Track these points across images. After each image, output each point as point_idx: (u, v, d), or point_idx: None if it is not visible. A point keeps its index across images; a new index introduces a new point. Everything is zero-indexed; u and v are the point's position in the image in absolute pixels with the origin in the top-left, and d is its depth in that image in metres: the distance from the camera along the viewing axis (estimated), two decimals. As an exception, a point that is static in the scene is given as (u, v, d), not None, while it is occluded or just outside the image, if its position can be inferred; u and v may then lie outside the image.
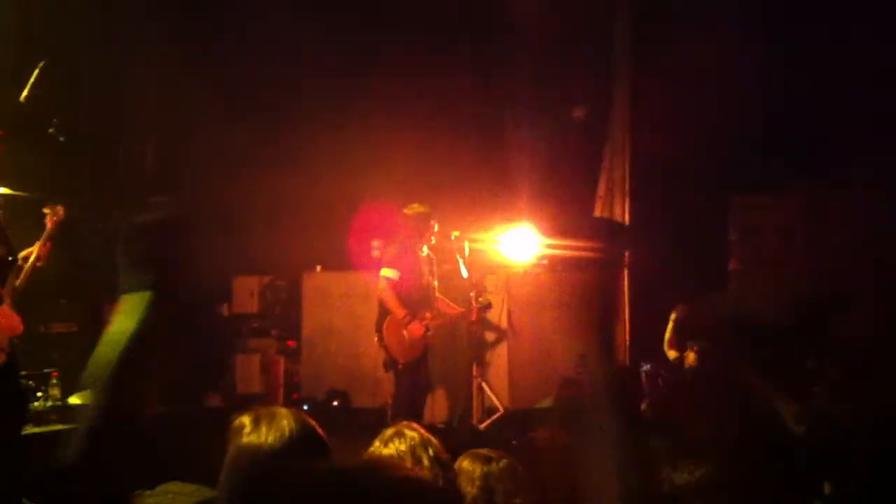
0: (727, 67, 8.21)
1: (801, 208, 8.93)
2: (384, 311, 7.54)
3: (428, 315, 7.56)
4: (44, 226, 5.61)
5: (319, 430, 2.41)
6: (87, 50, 8.27)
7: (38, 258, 5.39)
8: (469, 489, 3.22)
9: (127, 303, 1.61)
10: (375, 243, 9.37)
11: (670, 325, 7.65)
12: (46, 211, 5.55)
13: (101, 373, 1.52)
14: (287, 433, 2.27)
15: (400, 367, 7.47)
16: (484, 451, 3.42)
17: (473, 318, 8.16)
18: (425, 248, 7.63)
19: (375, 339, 7.61)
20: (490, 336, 8.97)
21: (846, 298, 8.32)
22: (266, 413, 2.37)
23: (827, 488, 3.01)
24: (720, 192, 9.08)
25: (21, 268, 5.29)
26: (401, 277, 7.45)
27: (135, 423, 1.59)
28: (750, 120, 8.50)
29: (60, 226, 5.61)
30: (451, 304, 7.97)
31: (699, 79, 8.16)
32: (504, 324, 8.92)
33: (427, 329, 7.50)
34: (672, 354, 7.37)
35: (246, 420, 2.33)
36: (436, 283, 7.74)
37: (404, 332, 7.43)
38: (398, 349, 7.45)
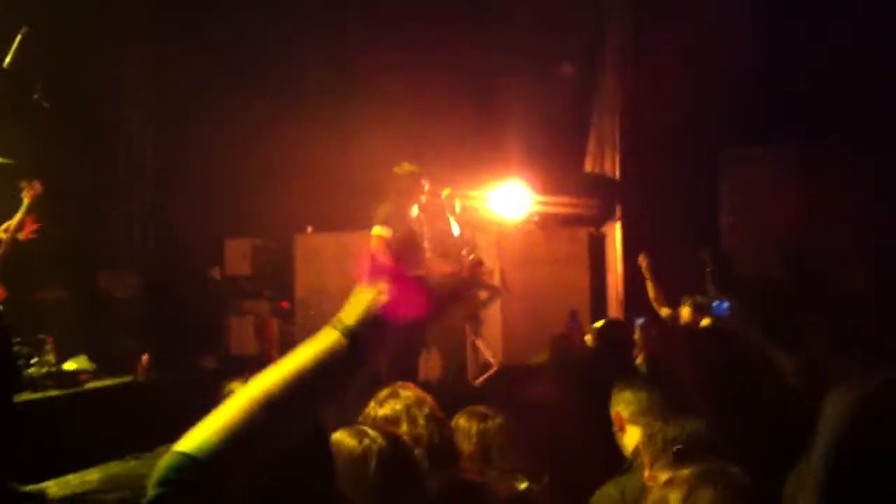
0: (721, 21, 8.16)
1: (794, 161, 8.92)
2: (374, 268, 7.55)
3: (420, 272, 7.58)
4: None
5: None
6: (72, 14, 8.18)
7: (18, 231, 5.36)
8: (466, 446, 3.24)
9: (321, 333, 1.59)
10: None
11: (649, 283, 7.66)
12: (23, 185, 5.52)
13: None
14: None
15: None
16: (480, 408, 3.45)
17: (465, 274, 8.15)
18: (415, 208, 7.62)
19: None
20: (482, 293, 8.99)
21: (842, 255, 8.37)
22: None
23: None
24: (712, 145, 9.06)
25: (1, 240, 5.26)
26: (392, 237, 7.43)
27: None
28: (743, 73, 8.47)
29: (38, 199, 5.58)
30: (442, 262, 7.98)
31: (691, 32, 8.11)
32: (496, 281, 8.93)
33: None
34: (665, 311, 7.38)
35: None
36: (426, 243, 7.75)
37: None
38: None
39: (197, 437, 1.45)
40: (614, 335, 5.74)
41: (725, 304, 6.62)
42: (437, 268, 7.88)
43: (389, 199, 7.58)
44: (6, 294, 5.17)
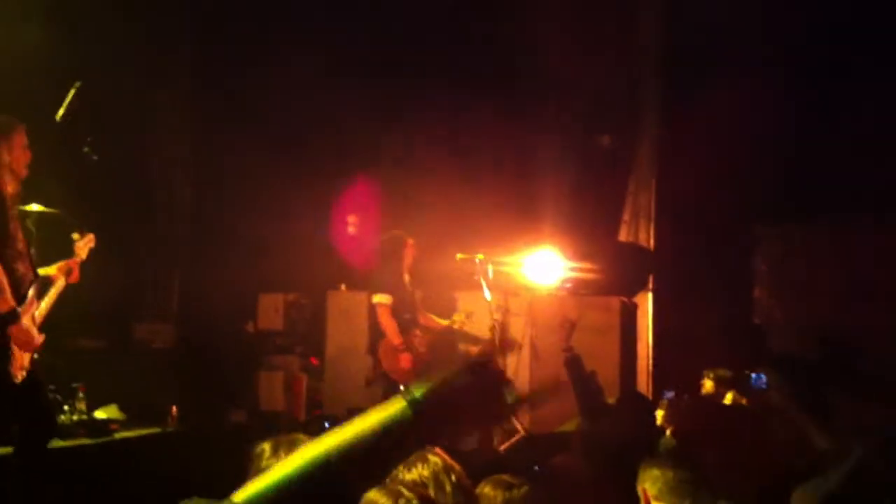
0: (756, 98, 8.23)
1: (828, 237, 8.90)
2: (377, 333, 7.84)
3: (418, 333, 7.97)
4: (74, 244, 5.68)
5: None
6: (117, 73, 8.42)
7: (67, 275, 5.45)
8: None
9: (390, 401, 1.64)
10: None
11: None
12: (75, 237, 5.62)
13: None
14: None
15: (401, 387, 7.65)
16: (505, 476, 3.45)
17: (459, 328, 8.40)
18: (407, 276, 7.91)
19: (370, 360, 7.88)
20: (512, 358, 8.99)
21: (878, 332, 8.30)
22: (286, 440, 2.42)
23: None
24: (747, 218, 9.08)
25: (48, 286, 5.34)
26: (393, 301, 7.73)
27: None
28: (778, 147, 8.52)
29: (90, 251, 5.68)
30: (435, 318, 8.31)
31: (726, 109, 8.18)
32: (526, 346, 8.93)
33: (416, 354, 7.87)
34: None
35: (266, 446, 2.38)
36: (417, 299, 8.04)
37: (398, 358, 7.78)
38: (395, 372, 7.73)
39: (252, 490, 1.49)
40: (635, 407, 5.73)
41: (763, 378, 6.58)
42: (429, 324, 8.10)
43: (381, 265, 7.86)
44: (43, 341, 5.24)
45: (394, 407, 1.60)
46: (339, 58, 9.44)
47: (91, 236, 5.71)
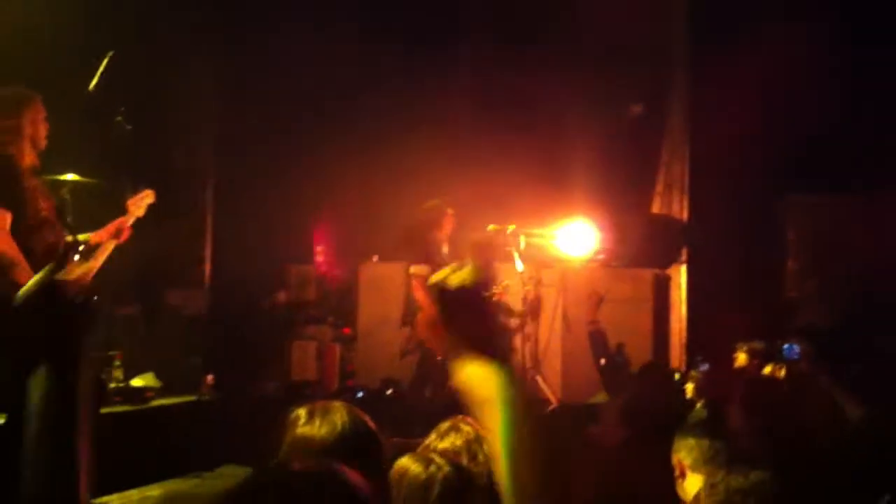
0: (790, 64, 8.12)
1: (861, 208, 8.80)
2: (413, 306, 7.70)
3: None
4: (114, 213, 5.68)
5: (371, 425, 2.47)
6: (149, 45, 8.45)
7: (115, 241, 5.44)
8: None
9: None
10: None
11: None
12: (129, 195, 5.60)
13: None
14: (339, 427, 2.34)
15: (438, 358, 7.62)
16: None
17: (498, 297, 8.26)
18: (445, 247, 7.78)
19: (406, 331, 7.84)
20: (544, 330, 8.98)
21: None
22: (321, 406, 2.43)
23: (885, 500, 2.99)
24: (780, 190, 8.98)
25: (89, 250, 5.36)
26: (429, 272, 7.62)
27: None
28: (811, 117, 8.40)
29: (147, 209, 5.66)
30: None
31: (760, 75, 8.08)
32: (559, 318, 8.92)
33: None
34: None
35: (301, 412, 2.40)
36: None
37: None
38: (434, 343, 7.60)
39: None
40: (654, 379, 5.72)
41: (796, 348, 6.54)
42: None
43: (419, 236, 7.78)
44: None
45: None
46: (367, 22, 9.41)
47: (148, 192, 5.65)
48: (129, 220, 5.56)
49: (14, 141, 4.99)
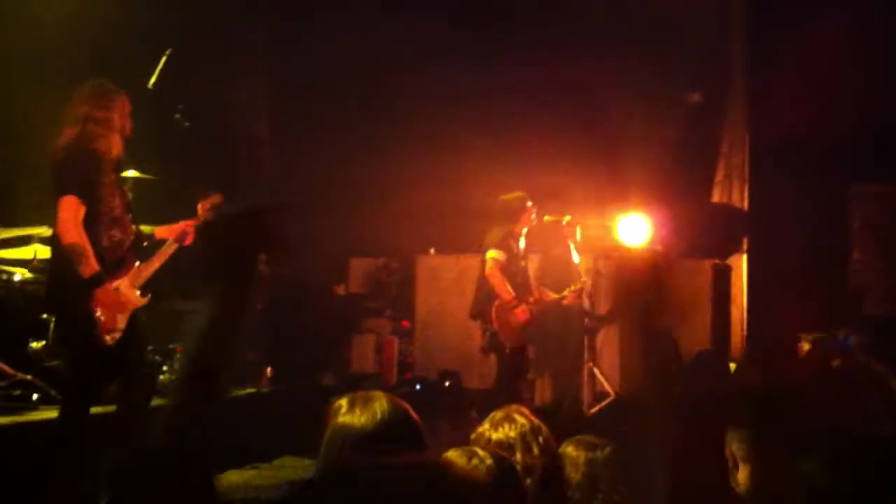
0: (853, 50, 7.95)
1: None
2: (487, 294, 7.54)
3: (531, 299, 7.61)
4: (173, 210, 5.75)
5: (413, 414, 2.48)
6: (204, 41, 8.55)
7: (180, 243, 5.50)
8: (573, 475, 3.23)
9: None
10: None
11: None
12: (199, 195, 5.66)
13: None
14: (378, 416, 2.37)
15: (507, 350, 7.52)
16: (589, 437, 3.43)
17: (568, 302, 8.10)
18: (522, 240, 7.67)
19: (478, 321, 7.68)
20: (603, 321, 8.93)
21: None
22: (362, 396, 2.46)
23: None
24: (842, 179, 8.79)
25: (151, 248, 5.43)
26: (506, 259, 7.51)
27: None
28: (877, 104, 8.21)
29: (216, 210, 5.71)
30: (544, 290, 7.97)
31: (822, 61, 7.92)
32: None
33: (532, 314, 7.54)
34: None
35: (343, 402, 2.43)
36: (529, 271, 7.81)
37: (511, 317, 7.46)
38: (507, 332, 7.47)
39: None
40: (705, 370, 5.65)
41: (852, 339, 6.43)
42: (544, 297, 7.89)
43: (498, 225, 7.65)
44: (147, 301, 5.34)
45: None
46: (420, 6, 9.42)
47: (218, 196, 5.71)
48: (197, 222, 5.60)
49: (105, 134, 5.06)
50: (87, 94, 5.10)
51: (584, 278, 8.18)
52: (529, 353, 8.03)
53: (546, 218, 8.05)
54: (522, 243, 7.72)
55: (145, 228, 5.44)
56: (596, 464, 3.25)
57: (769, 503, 2.58)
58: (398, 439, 2.31)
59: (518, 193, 7.72)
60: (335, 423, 2.36)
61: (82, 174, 4.91)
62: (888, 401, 3.72)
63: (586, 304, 8.70)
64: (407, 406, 2.47)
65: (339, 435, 2.33)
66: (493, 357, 7.70)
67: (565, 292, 7.98)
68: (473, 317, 7.76)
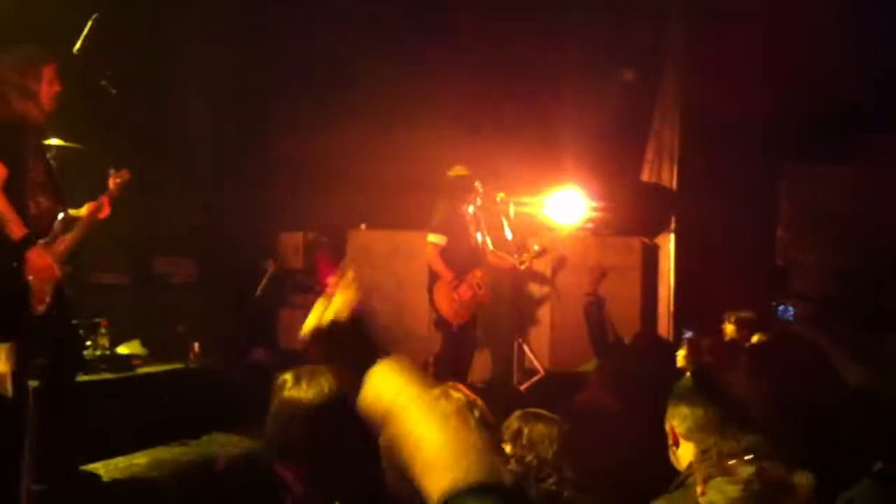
0: (786, 29, 8.05)
1: (854, 179, 8.77)
2: (434, 275, 7.65)
3: (478, 273, 7.66)
4: (98, 179, 5.68)
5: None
6: (138, 6, 8.32)
7: (97, 213, 5.45)
8: (547, 450, 3.24)
9: None
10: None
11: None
12: (111, 171, 5.62)
13: None
14: (326, 390, 2.34)
15: (454, 329, 7.58)
16: (542, 411, 3.45)
17: (526, 267, 8.17)
18: (471, 207, 7.68)
19: (427, 300, 7.75)
20: (533, 298, 8.98)
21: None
22: (307, 370, 2.46)
23: (877, 465, 2.98)
24: (771, 158, 8.94)
25: (73, 221, 5.35)
26: (448, 242, 7.55)
27: None
28: (807, 85, 8.34)
29: (124, 187, 5.67)
30: (504, 255, 8.04)
31: (755, 41, 8.02)
32: (547, 286, 8.91)
33: (478, 287, 7.61)
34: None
35: (288, 377, 2.44)
36: (488, 238, 7.84)
37: (454, 295, 7.55)
38: (450, 311, 7.57)
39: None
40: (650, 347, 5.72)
41: (791, 310, 6.56)
42: (497, 262, 7.95)
43: (442, 203, 7.65)
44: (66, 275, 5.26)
45: None
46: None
47: (124, 173, 5.68)
48: (108, 196, 5.56)
49: (23, 98, 4.97)
50: (6, 61, 5.02)
51: (536, 244, 8.27)
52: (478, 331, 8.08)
53: (500, 196, 8.11)
54: (472, 209, 7.75)
55: (74, 211, 5.38)
56: (566, 437, 3.28)
57: (707, 479, 2.60)
58: (346, 413, 2.31)
59: (464, 171, 7.76)
60: (281, 398, 2.34)
61: (3, 142, 4.83)
62: (825, 370, 3.79)
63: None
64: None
65: (287, 410, 2.32)
66: (438, 334, 7.76)
67: (524, 256, 8.06)
68: (428, 292, 7.80)
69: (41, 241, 5.00)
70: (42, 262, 4.93)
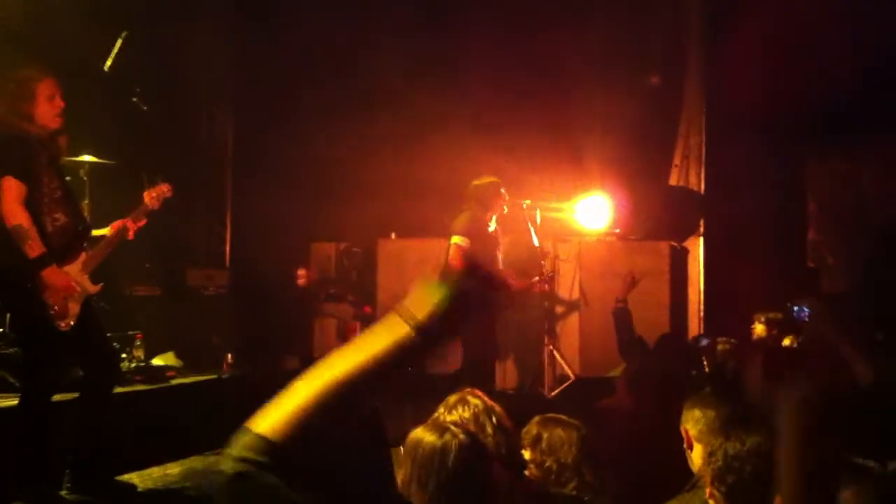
0: (809, 30, 8.02)
1: (883, 179, 8.71)
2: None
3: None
4: (131, 194, 5.73)
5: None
6: (164, 22, 8.45)
7: (122, 235, 5.49)
8: (566, 455, 3.28)
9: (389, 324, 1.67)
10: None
11: None
12: (146, 185, 5.64)
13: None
14: None
15: (471, 335, 7.56)
16: (562, 417, 3.48)
17: (537, 290, 8.18)
18: (493, 223, 7.65)
19: None
20: (562, 304, 8.99)
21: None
22: None
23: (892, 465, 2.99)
24: (800, 160, 8.90)
25: (98, 238, 5.41)
26: (470, 246, 7.49)
27: None
28: (831, 87, 8.29)
29: (161, 202, 5.69)
30: (514, 276, 7.99)
31: (778, 44, 7.99)
32: (576, 292, 8.92)
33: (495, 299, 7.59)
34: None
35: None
36: (500, 256, 7.79)
37: None
38: None
39: (270, 419, 1.54)
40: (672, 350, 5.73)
41: (806, 309, 6.52)
42: (511, 280, 7.93)
43: (468, 210, 7.62)
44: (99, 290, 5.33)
45: (397, 331, 1.61)
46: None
47: (164, 186, 5.69)
48: (142, 214, 5.59)
49: (20, 119, 5.03)
50: (7, 89, 5.07)
51: (546, 266, 8.26)
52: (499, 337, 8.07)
53: (526, 203, 8.13)
54: (493, 225, 7.69)
55: (97, 232, 5.44)
56: (586, 443, 3.31)
57: (714, 480, 2.63)
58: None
59: (491, 179, 7.64)
60: None
61: (16, 158, 4.90)
62: (839, 368, 3.79)
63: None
64: None
65: None
66: (460, 342, 7.72)
67: (534, 280, 8.06)
68: None
69: (62, 258, 5.04)
70: (60, 281, 4.95)
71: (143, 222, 5.60)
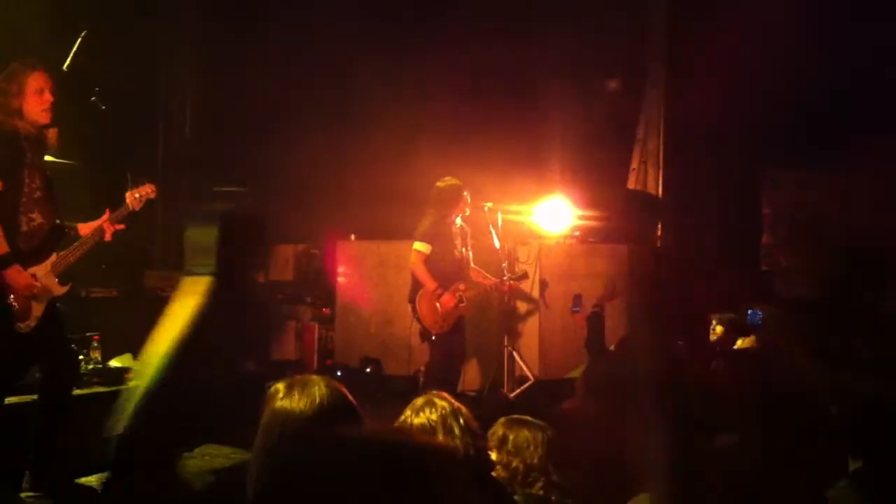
0: (768, 39, 8.14)
1: (836, 185, 8.87)
2: (417, 284, 7.64)
3: (461, 286, 7.67)
4: (88, 195, 5.65)
5: (350, 398, 2.47)
6: (125, 18, 8.38)
7: (98, 237, 5.38)
8: (532, 456, 3.31)
9: (189, 284, 1.68)
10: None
11: None
12: (130, 186, 5.48)
13: (164, 347, 1.63)
14: (318, 399, 2.34)
15: (433, 337, 7.58)
16: (526, 417, 3.51)
17: (506, 289, 8.24)
18: (459, 220, 7.70)
19: (410, 309, 7.74)
20: (522, 306, 9.04)
21: (881, 277, 8.29)
22: (299, 380, 2.44)
23: (852, 465, 3.04)
24: (755, 165, 9.04)
25: (73, 240, 5.32)
26: (432, 251, 7.54)
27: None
28: (788, 94, 8.44)
29: (144, 203, 5.55)
30: (486, 274, 8.06)
31: (737, 51, 8.11)
32: (536, 294, 8.97)
33: (460, 300, 7.61)
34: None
35: (280, 386, 2.40)
36: (470, 254, 7.83)
37: (436, 304, 7.54)
38: (431, 320, 7.55)
39: (147, 374, 1.58)
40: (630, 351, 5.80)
41: (759, 313, 6.62)
42: (479, 279, 7.98)
43: (430, 213, 7.66)
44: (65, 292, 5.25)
45: (198, 283, 1.65)
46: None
47: (148, 187, 5.51)
48: (122, 216, 5.46)
49: (7, 114, 4.95)
50: None
51: (519, 266, 8.35)
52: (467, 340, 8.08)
53: (488, 206, 8.16)
54: (460, 222, 7.72)
55: (70, 224, 5.34)
56: (552, 444, 3.34)
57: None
58: (338, 424, 2.32)
59: (453, 182, 7.68)
60: (273, 408, 2.34)
61: None
62: (793, 372, 3.86)
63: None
64: (345, 390, 2.48)
65: (278, 420, 2.31)
66: (425, 344, 7.75)
67: (506, 278, 8.09)
68: (410, 301, 7.78)
69: (29, 259, 4.98)
70: (20, 281, 4.87)
71: (122, 226, 5.42)
